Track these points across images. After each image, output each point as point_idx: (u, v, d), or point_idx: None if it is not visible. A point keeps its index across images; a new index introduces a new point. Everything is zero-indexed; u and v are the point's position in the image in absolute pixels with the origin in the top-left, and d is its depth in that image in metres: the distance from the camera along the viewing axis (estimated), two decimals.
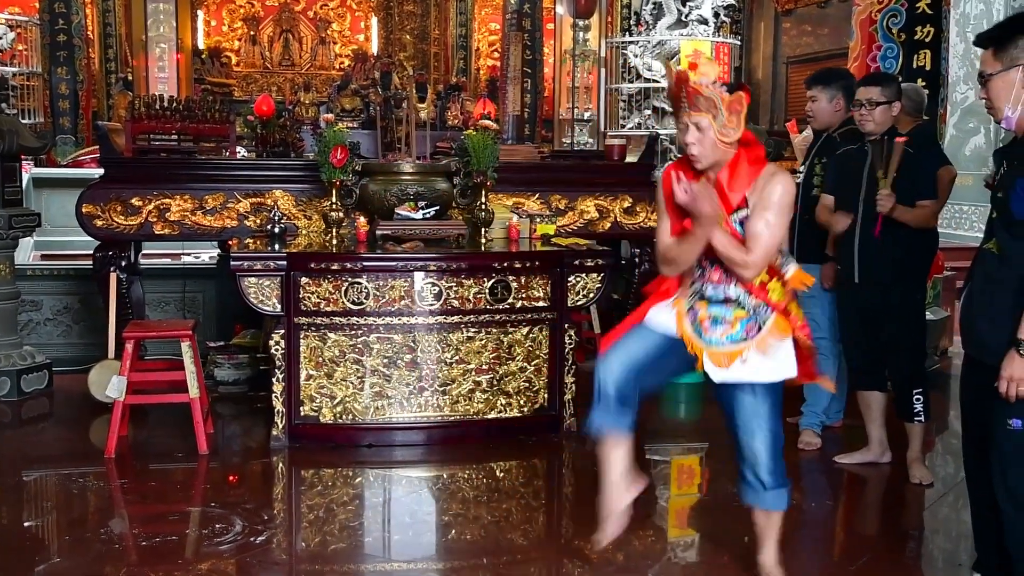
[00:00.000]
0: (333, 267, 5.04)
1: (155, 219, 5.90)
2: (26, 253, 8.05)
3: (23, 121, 9.54)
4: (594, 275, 5.28)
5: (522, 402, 5.24)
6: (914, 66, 6.71)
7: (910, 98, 5.94)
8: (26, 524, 4.21)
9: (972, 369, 3.29)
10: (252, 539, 3.95)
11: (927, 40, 6.71)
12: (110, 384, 4.97)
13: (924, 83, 6.59)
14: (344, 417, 5.12)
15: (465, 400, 5.18)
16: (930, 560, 4.09)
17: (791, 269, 3.29)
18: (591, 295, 5.33)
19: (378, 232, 5.38)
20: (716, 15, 9.79)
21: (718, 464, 5.25)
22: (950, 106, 9.28)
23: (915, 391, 4.70)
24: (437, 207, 5.46)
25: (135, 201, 5.87)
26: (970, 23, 11.13)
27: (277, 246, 5.27)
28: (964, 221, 11.30)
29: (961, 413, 3.42)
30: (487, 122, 5.69)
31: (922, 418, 4.73)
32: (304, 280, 5.04)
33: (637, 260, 6.58)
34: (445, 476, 4.82)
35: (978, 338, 3.18)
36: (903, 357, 4.71)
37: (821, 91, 5.20)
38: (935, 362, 6.98)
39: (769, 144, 6.75)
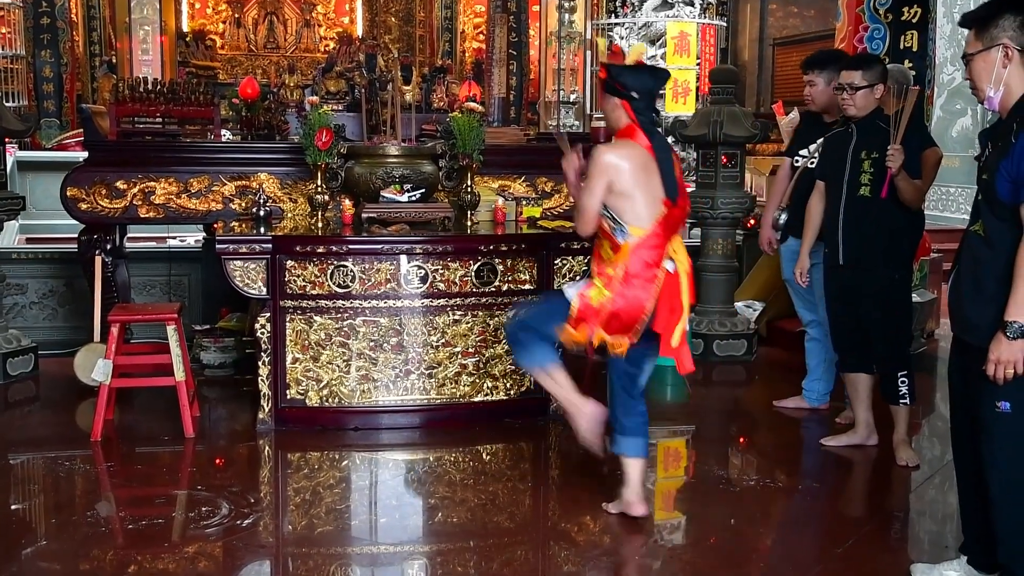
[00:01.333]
0: (319, 250, 5.03)
1: (140, 202, 5.86)
2: (11, 236, 8.02)
3: (7, 104, 9.49)
4: (580, 257, 5.28)
5: (508, 385, 5.24)
6: (901, 47, 6.70)
7: (896, 80, 5.94)
8: (12, 507, 4.20)
9: (960, 352, 3.30)
10: (239, 522, 3.95)
11: (914, 21, 6.70)
12: (96, 367, 4.95)
13: (911, 64, 6.58)
14: (330, 400, 5.12)
15: (451, 383, 5.17)
16: (916, 542, 4.11)
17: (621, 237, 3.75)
18: (577, 278, 5.32)
19: (364, 215, 5.36)
20: None
21: (704, 446, 5.27)
22: (937, 87, 9.30)
23: (900, 373, 4.71)
24: (423, 190, 5.45)
25: (120, 184, 5.84)
26: (957, 4, 11.15)
27: (262, 229, 5.25)
28: (951, 203, 11.34)
29: (949, 395, 3.43)
30: (473, 104, 5.68)
31: (907, 401, 4.74)
32: (290, 263, 5.02)
33: None
34: (432, 459, 4.81)
35: (965, 320, 3.18)
36: (888, 339, 4.72)
37: (818, 75, 5.21)
38: (922, 344, 7.01)
39: (755, 126, 6.75)
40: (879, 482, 4.70)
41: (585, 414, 3.97)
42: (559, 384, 3.97)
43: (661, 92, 4.87)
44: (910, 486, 4.61)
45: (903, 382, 4.72)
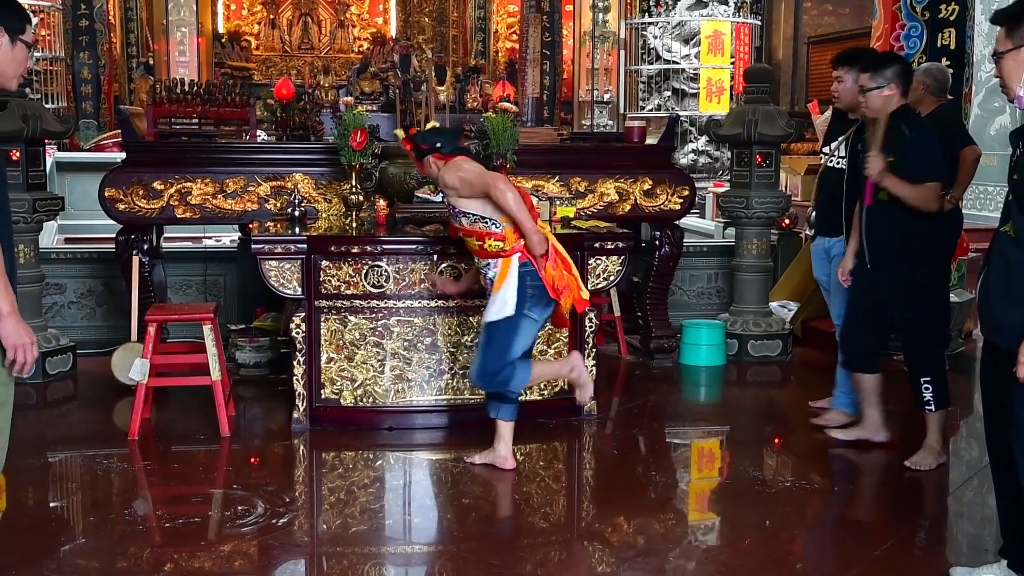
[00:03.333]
0: (353, 250, 5.05)
1: (176, 203, 5.91)
2: (50, 237, 8.10)
3: (46, 106, 9.59)
4: (614, 258, 5.26)
5: (542, 385, 5.23)
6: (938, 45, 6.63)
7: (934, 78, 5.89)
8: (51, 505, 4.25)
9: (991, 353, 3.26)
10: (274, 521, 3.97)
11: (951, 18, 6.63)
12: (133, 367, 5.00)
13: (948, 62, 6.52)
14: (364, 400, 5.14)
15: None
16: (955, 545, 4.06)
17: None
18: (611, 278, 5.31)
19: (398, 215, 5.37)
20: None
21: (739, 447, 5.24)
22: (975, 85, 9.20)
23: (923, 379, 4.59)
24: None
25: (157, 185, 5.89)
26: (995, 0, 11.02)
27: (297, 229, 5.27)
28: (988, 202, 11.21)
29: (982, 398, 3.39)
30: (506, 104, 5.69)
31: (932, 407, 4.61)
32: (324, 263, 5.04)
33: (657, 243, 6.56)
34: (465, 459, 4.82)
35: (995, 322, 3.14)
36: (914, 343, 4.65)
37: (846, 72, 5.14)
38: (960, 344, 6.94)
39: (790, 125, 6.70)
40: (916, 484, 4.65)
41: (578, 365, 4.69)
42: (548, 370, 4.73)
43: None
44: (948, 488, 4.56)
45: (927, 388, 4.59)
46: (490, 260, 4.39)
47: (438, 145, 4.40)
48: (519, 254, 4.34)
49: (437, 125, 4.75)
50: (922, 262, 4.60)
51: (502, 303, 4.32)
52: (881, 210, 4.53)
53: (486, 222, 4.32)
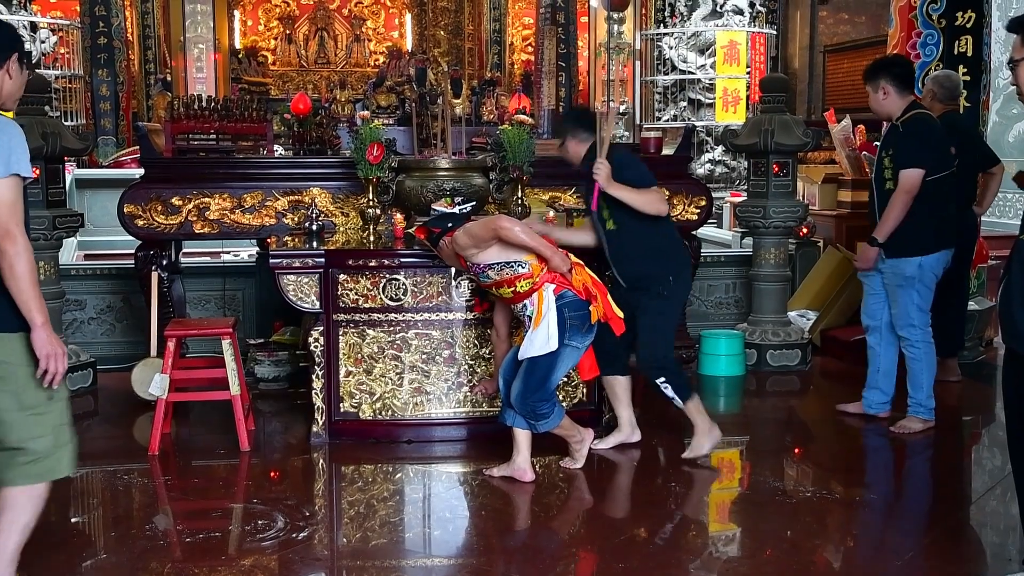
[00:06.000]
0: (371, 264, 5.06)
1: (195, 218, 5.95)
2: (70, 253, 8.15)
3: (65, 123, 9.66)
4: None
5: (561, 397, 5.22)
6: (955, 52, 6.61)
7: (941, 85, 5.98)
8: (72, 520, 4.27)
9: (1013, 361, 3.24)
10: (294, 535, 3.97)
11: (968, 26, 6.61)
12: (153, 382, 5.02)
13: (965, 70, 6.50)
14: (383, 413, 5.14)
15: None
16: (978, 555, 4.03)
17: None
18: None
19: (417, 221, 5.38)
20: (752, 5, 9.74)
21: (759, 457, 5.22)
22: (992, 92, 9.12)
23: (659, 380, 4.84)
24: (473, 202, 5.44)
25: (175, 200, 5.92)
26: (1012, 7, 10.97)
27: (315, 243, 5.29)
28: (1008, 209, 11.15)
29: (1004, 406, 3.37)
30: (522, 116, 5.70)
31: (679, 402, 4.88)
32: (342, 277, 5.06)
33: None
34: (484, 471, 4.81)
35: (1016, 329, 3.12)
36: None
37: (868, 86, 5.28)
38: (980, 353, 6.89)
39: (807, 134, 6.69)
40: (938, 493, 4.62)
41: (587, 443, 4.76)
42: (567, 424, 4.64)
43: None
44: (971, 497, 4.53)
45: (665, 387, 4.82)
46: (525, 301, 4.44)
47: (449, 225, 4.51)
48: (550, 285, 4.38)
49: (442, 209, 4.86)
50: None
51: (544, 339, 4.35)
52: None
53: (512, 266, 4.38)
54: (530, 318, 4.42)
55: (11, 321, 3.03)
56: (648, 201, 4.70)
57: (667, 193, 6.30)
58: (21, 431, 3.09)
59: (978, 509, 4.42)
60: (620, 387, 5.02)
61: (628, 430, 5.06)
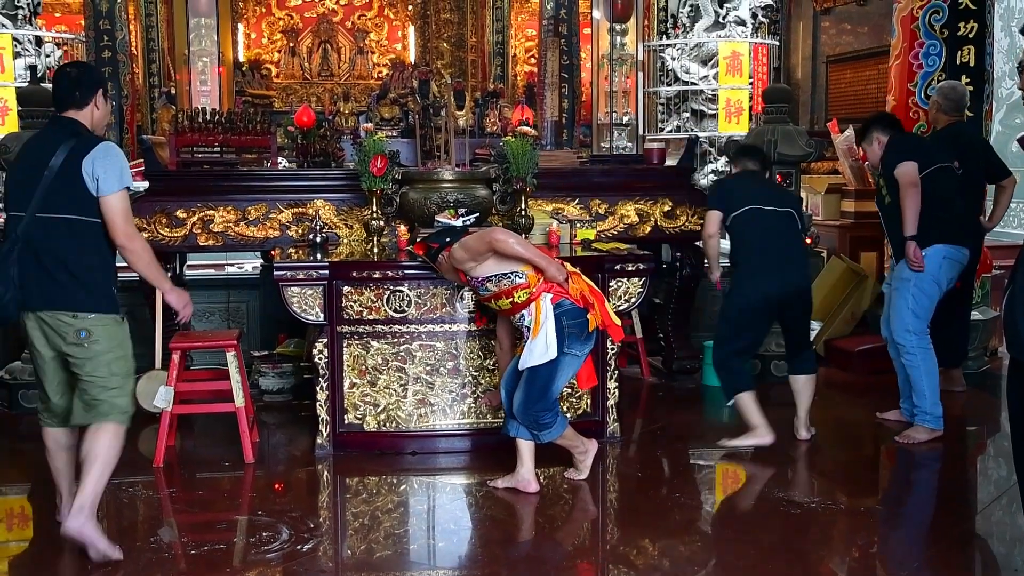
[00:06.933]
0: (375, 275, 5.07)
1: (199, 231, 5.96)
2: None
3: None
4: (635, 280, 5.26)
5: (565, 408, 5.22)
6: (957, 62, 6.61)
7: (947, 96, 6.01)
8: None
9: (1017, 371, 3.23)
10: (299, 547, 3.97)
11: (971, 36, 6.61)
12: (157, 394, 5.02)
13: (968, 80, 6.50)
14: (388, 425, 5.14)
15: None
16: (984, 565, 4.02)
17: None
18: (633, 300, 5.30)
19: (420, 235, 5.38)
20: (754, 16, 9.73)
21: (764, 468, 5.21)
22: (995, 102, 9.13)
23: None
24: (477, 214, 5.47)
25: (179, 213, 5.94)
26: (1015, 17, 10.98)
27: (319, 255, 5.30)
28: (1012, 219, 11.13)
29: (1009, 416, 3.36)
30: (525, 128, 5.70)
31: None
32: (346, 289, 5.06)
33: (678, 264, 6.55)
34: (489, 483, 4.81)
35: (1020, 339, 3.12)
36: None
37: (863, 145, 5.58)
38: (985, 363, 6.88)
39: (810, 145, 6.69)
40: (944, 503, 4.62)
41: (591, 454, 4.74)
42: (571, 435, 4.65)
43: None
44: (976, 507, 4.52)
45: None
46: (523, 311, 4.44)
47: (447, 240, 4.55)
48: (547, 294, 4.39)
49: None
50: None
51: (543, 348, 4.37)
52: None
53: (509, 277, 4.41)
54: (528, 328, 4.43)
55: (111, 305, 3.95)
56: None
57: (671, 204, 6.33)
58: (104, 396, 3.89)
59: (984, 519, 4.41)
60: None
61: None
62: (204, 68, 15.35)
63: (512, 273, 4.40)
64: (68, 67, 4.05)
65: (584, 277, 4.58)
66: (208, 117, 6.58)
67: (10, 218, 3.88)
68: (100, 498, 3.85)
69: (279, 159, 7.54)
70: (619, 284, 5.26)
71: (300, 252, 5.48)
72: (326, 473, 4.97)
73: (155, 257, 4.01)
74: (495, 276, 4.43)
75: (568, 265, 4.56)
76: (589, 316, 4.44)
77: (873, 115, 5.77)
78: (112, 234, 3.83)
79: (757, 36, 9.74)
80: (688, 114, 9.57)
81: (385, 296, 5.07)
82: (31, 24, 7.49)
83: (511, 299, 4.44)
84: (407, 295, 5.08)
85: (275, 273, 5.02)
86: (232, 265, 7.84)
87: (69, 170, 3.74)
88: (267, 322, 6.79)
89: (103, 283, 3.90)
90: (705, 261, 5.71)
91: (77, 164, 3.74)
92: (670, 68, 9.75)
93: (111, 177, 3.76)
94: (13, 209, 3.86)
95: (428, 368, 5.12)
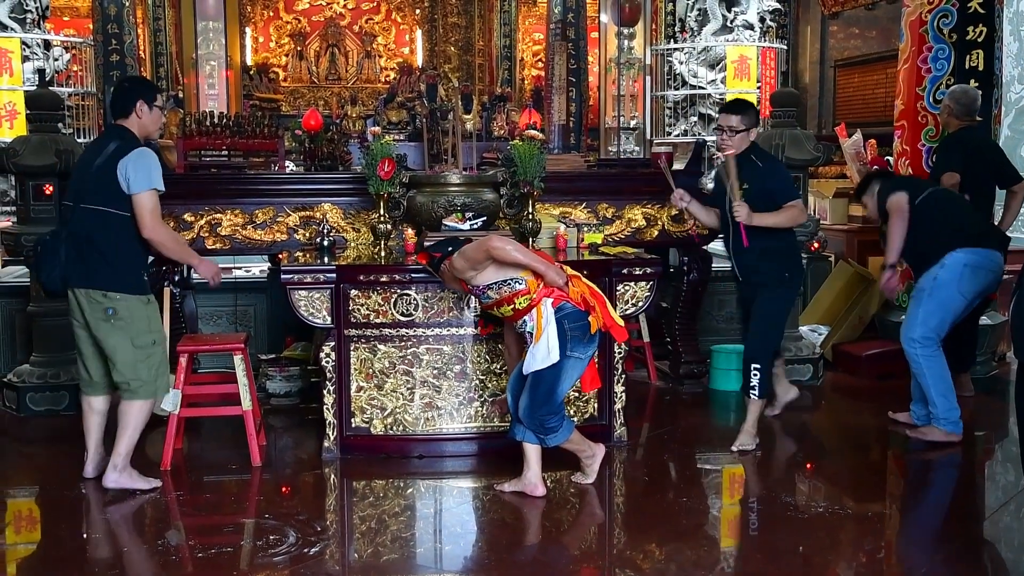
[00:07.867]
0: (382, 279, 5.07)
1: (207, 234, 5.97)
2: None
3: (79, 140, 9.70)
4: (643, 284, 5.26)
5: (572, 412, 5.22)
6: (966, 67, 6.60)
7: (957, 101, 5.99)
8: (85, 536, 4.27)
9: None
10: (305, 550, 3.98)
11: (979, 40, 6.60)
12: (165, 397, 5.03)
13: (977, 84, 6.49)
14: (395, 428, 5.14)
15: None
16: (992, 570, 4.00)
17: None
18: (640, 304, 5.30)
19: (426, 243, 5.39)
20: (762, 20, 9.73)
21: (770, 472, 5.20)
22: (1004, 106, 9.11)
23: (754, 366, 5.24)
24: (484, 217, 5.47)
25: (187, 217, 5.95)
26: (1023, 22, 10.95)
27: (326, 259, 5.30)
28: (1020, 224, 11.09)
29: (1017, 421, 3.35)
30: (533, 132, 5.72)
31: (756, 393, 5.25)
32: (353, 292, 5.07)
33: (686, 268, 6.54)
34: (496, 486, 4.81)
35: None
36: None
37: (864, 198, 5.64)
38: (993, 368, 6.86)
39: (818, 149, 6.69)
40: (952, 508, 4.60)
41: (599, 458, 4.76)
42: (577, 439, 4.67)
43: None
44: (984, 512, 4.50)
45: (755, 374, 5.23)
46: (525, 317, 4.46)
47: (449, 250, 4.56)
48: (547, 299, 4.40)
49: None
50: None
51: (546, 352, 4.38)
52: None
53: (508, 284, 4.42)
54: (531, 333, 4.44)
55: (137, 286, 4.53)
56: (790, 218, 5.15)
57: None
58: (128, 370, 4.50)
59: (992, 524, 4.40)
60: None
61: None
62: (212, 72, 15.39)
63: (512, 280, 4.42)
64: (123, 80, 4.82)
65: (584, 279, 4.58)
66: (215, 121, 6.60)
67: (64, 208, 4.69)
68: (131, 452, 4.62)
69: (286, 163, 7.55)
70: (626, 288, 5.26)
71: (307, 256, 5.48)
72: (333, 476, 4.97)
73: (180, 241, 4.88)
74: (495, 283, 4.45)
75: (567, 268, 4.57)
76: (591, 318, 4.45)
77: (868, 173, 5.98)
78: (140, 227, 4.44)
79: (765, 40, 9.74)
80: (696, 118, 9.57)
81: (392, 300, 5.08)
82: (39, 28, 7.53)
83: (512, 305, 4.45)
84: (414, 299, 5.08)
85: (282, 276, 5.03)
86: (239, 268, 7.85)
87: (108, 170, 4.39)
88: (274, 325, 6.80)
89: (132, 267, 4.53)
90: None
91: (114, 165, 4.39)
92: (678, 72, 9.76)
93: (140, 178, 4.39)
94: (66, 200, 4.64)
95: (435, 372, 5.12)
